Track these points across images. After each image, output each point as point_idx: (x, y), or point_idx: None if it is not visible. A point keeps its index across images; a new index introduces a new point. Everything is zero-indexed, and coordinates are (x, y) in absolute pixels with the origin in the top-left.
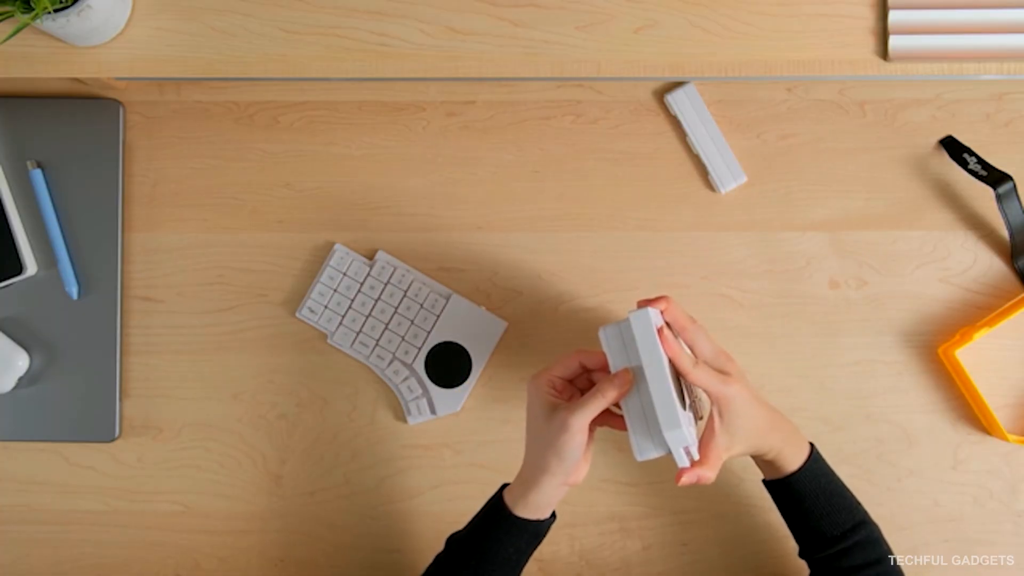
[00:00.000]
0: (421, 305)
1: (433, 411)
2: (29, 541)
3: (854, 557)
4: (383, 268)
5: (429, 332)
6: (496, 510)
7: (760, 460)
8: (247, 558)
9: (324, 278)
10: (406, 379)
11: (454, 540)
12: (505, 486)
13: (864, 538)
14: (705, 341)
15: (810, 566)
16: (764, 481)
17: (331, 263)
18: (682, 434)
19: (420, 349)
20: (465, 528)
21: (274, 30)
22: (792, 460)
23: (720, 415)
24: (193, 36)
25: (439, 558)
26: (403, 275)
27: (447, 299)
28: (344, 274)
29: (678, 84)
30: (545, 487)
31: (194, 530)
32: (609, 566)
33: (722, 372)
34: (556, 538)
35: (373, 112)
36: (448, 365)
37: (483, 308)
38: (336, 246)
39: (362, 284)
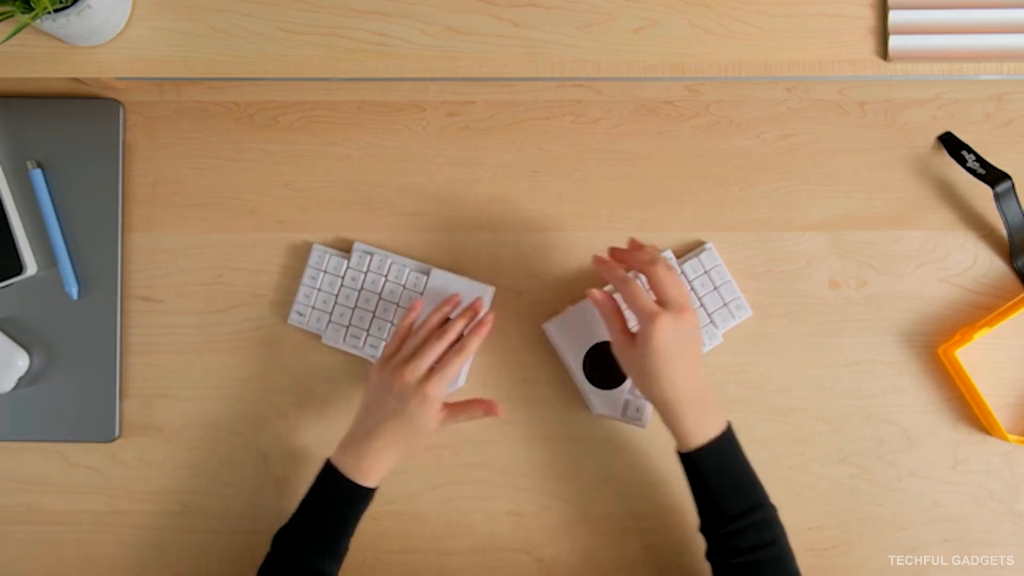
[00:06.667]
0: (403, 286)
1: None
2: (29, 541)
3: (747, 537)
4: (360, 258)
5: None
6: (336, 483)
7: (671, 427)
8: (247, 558)
9: (306, 279)
10: None
11: (290, 529)
12: (331, 467)
13: (760, 520)
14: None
15: (707, 542)
16: (678, 453)
17: (310, 263)
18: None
19: None
20: (298, 515)
21: (274, 30)
22: (698, 435)
23: (639, 336)
24: (193, 36)
25: (275, 553)
26: (381, 260)
27: (427, 274)
28: (324, 271)
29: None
30: (389, 454)
31: (194, 530)
32: (609, 566)
33: (666, 307)
34: (556, 538)
35: (373, 112)
36: None
37: (466, 277)
38: (314, 246)
39: (343, 278)
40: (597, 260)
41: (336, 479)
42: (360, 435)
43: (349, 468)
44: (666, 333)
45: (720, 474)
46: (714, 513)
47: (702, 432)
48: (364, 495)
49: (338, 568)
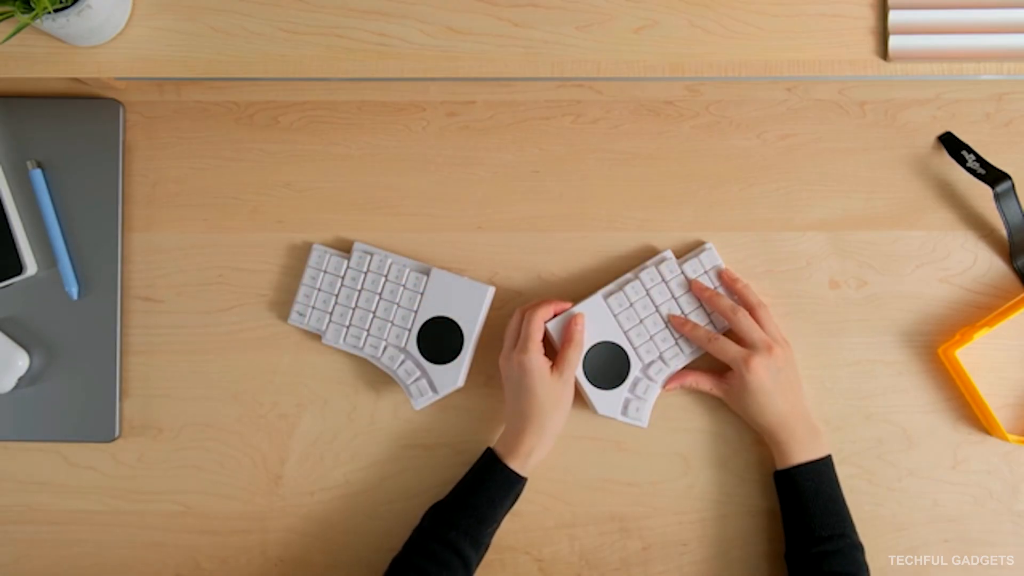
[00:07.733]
0: (404, 286)
1: (434, 390)
2: (29, 541)
3: (836, 562)
4: (360, 258)
5: (416, 311)
6: (489, 465)
7: (771, 445)
8: (247, 558)
9: (306, 279)
10: (402, 363)
11: (440, 505)
12: (489, 451)
13: (848, 547)
14: (756, 321)
15: (791, 567)
16: (774, 472)
17: (310, 263)
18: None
19: (410, 331)
20: (450, 494)
21: (274, 30)
22: (797, 455)
23: (735, 379)
24: (193, 36)
25: (421, 527)
26: (382, 260)
27: (428, 274)
28: (324, 271)
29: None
30: (547, 440)
31: (194, 530)
32: (609, 566)
33: (753, 351)
34: (556, 538)
35: (373, 112)
36: (440, 341)
37: (466, 277)
38: (314, 246)
39: (343, 277)
40: (680, 320)
41: (491, 462)
42: (508, 423)
43: (503, 452)
44: (756, 374)
45: (815, 495)
46: (804, 533)
47: (803, 452)
48: (513, 480)
49: (476, 558)
